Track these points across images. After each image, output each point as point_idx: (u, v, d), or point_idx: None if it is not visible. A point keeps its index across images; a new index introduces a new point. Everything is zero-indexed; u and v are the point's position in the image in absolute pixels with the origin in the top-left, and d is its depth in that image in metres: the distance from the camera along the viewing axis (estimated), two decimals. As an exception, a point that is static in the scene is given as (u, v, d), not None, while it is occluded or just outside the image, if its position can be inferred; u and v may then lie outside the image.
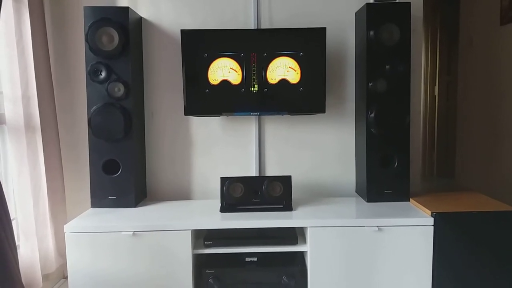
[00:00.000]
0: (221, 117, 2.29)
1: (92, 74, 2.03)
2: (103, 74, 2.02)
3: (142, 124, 2.26)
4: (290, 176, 2.06)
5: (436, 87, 4.32)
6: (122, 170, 2.07)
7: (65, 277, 2.15)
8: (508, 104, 3.39)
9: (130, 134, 2.07)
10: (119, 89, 2.04)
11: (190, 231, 1.83)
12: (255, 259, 1.95)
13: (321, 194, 2.34)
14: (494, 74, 3.60)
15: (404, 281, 1.84)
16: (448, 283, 1.82)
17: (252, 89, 2.09)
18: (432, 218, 1.81)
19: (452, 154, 4.36)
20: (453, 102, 4.28)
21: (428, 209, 1.85)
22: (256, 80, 2.09)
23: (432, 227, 1.80)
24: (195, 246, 1.89)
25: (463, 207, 1.86)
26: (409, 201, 2.07)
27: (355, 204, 2.10)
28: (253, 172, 2.33)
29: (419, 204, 1.96)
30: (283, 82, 2.09)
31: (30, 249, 1.93)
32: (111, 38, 1.99)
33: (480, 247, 1.80)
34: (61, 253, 2.08)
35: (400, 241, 1.82)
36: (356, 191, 2.32)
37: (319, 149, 2.33)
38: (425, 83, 4.45)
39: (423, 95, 4.45)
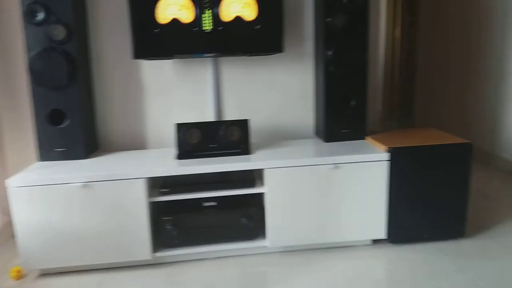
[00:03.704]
0: (173, 60, 2.17)
1: (28, 15, 1.86)
2: (41, 15, 1.85)
3: (88, 70, 2.11)
4: (247, 120, 2.01)
5: (399, 29, 4.28)
6: (69, 120, 1.96)
7: (13, 236, 2.06)
8: (465, 46, 3.41)
9: (75, 81, 1.94)
10: (60, 32, 1.88)
11: (144, 179, 1.78)
12: (214, 203, 1.93)
13: (281, 138, 2.31)
14: (453, 15, 3.58)
15: (361, 214, 1.89)
16: (402, 212, 1.88)
17: (205, 28, 1.97)
18: (387, 154, 1.82)
19: (412, 96, 4.42)
20: (414, 43, 4.27)
21: (384, 145, 1.86)
22: (209, 18, 1.96)
23: (387, 162, 1.83)
24: (151, 194, 1.85)
25: (417, 142, 1.89)
26: (365, 139, 2.08)
27: (313, 144, 2.09)
28: (211, 118, 2.26)
29: (375, 141, 1.97)
30: (238, 19, 1.97)
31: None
32: (44, -27, 1.80)
33: (431, 177, 1.86)
34: (5, 211, 1.98)
35: (357, 177, 1.84)
36: (315, 133, 2.30)
37: (279, 91, 2.27)
38: (387, 25, 4.39)
39: (385, 36, 4.41)
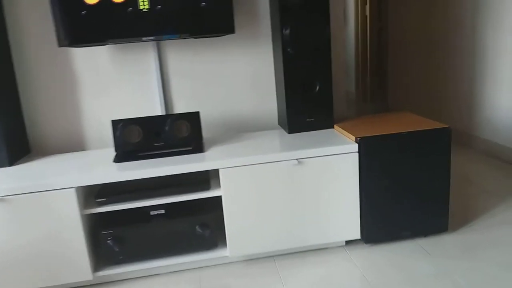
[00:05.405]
0: (110, 46, 1.87)
1: None
2: None
3: (7, 61, 1.79)
4: (198, 112, 1.74)
5: (367, 6, 4.07)
6: (-15, 122, 1.65)
7: None
8: (437, 23, 3.22)
9: (-12, 75, 1.62)
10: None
11: (74, 189, 1.49)
12: (162, 211, 1.67)
13: (240, 130, 2.06)
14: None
15: (332, 213, 1.66)
16: (377, 209, 1.67)
17: (141, 7, 1.68)
18: (357, 144, 1.60)
19: (385, 76, 4.23)
20: (385, 21, 4.07)
21: (353, 135, 1.63)
22: (143, -5, 1.67)
23: (357, 153, 1.60)
24: (85, 205, 1.57)
25: (389, 129, 1.67)
26: (333, 128, 1.85)
27: (275, 137, 1.84)
28: (158, 112, 1.98)
29: (343, 130, 1.74)
30: (179, -4, 1.69)
31: None
32: None
33: (408, 168, 1.65)
34: None
35: (325, 172, 1.61)
36: (278, 123, 2.06)
37: (234, 77, 2.01)
38: (356, 2, 4.17)
39: (354, 14, 4.19)
